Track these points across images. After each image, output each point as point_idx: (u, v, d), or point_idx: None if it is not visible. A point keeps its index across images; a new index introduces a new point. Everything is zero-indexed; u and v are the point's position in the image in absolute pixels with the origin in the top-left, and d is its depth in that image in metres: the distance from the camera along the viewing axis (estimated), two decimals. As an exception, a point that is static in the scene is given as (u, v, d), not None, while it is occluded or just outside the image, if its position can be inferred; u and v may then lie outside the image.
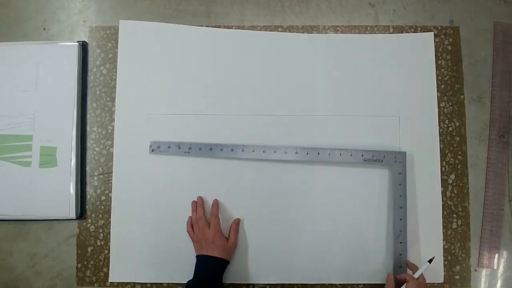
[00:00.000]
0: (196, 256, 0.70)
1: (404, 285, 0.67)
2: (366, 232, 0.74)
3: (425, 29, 0.78)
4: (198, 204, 0.73)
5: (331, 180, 0.75)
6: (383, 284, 0.73)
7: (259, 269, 0.74)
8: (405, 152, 0.73)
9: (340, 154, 0.73)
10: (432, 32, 0.78)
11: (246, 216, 0.74)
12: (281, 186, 0.75)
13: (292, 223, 0.74)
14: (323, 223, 0.74)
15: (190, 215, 0.74)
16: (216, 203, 0.73)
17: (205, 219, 0.72)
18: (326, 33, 0.79)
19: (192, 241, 0.72)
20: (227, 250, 0.70)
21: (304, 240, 0.74)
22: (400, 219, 0.72)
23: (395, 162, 0.73)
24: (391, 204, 0.74)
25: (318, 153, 0.74)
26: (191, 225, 0.73)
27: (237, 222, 0.73)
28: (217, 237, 0.69)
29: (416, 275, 0.68)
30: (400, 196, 0.72)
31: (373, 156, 0.73)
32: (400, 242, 0.71)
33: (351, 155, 0.73)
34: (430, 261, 0.70)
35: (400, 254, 0.72)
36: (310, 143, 0.75)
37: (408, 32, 0.78)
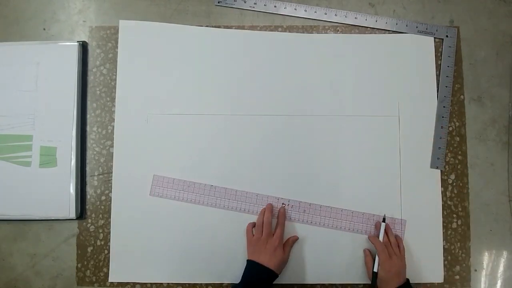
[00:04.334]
0: (248, 261, 0.68)
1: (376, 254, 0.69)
2: (366, 232, 0.74)
3: (425, 29, 0.78)
4: (267, 209, 0.72)
5: (331, 184, 0.75)
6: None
7: (259, 269, 0.74)
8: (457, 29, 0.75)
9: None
10: (432, 37, 0.78)
11: (246, 217, 0.74)
12: (282, 189, 0.75)
13: (292, 222, 0.75)
14: (323, 223, 0.74)
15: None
16: (283, 212, 0.73)
17: (271, 226, 0.71)
18: (326, 33, 0.79)
19: (248, 243, 0.71)
20: (282, 263, 0.69)
21: (304, 240, 0.74)
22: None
23: (446, 36, 0.76)
24: (394, 206, 0.74)
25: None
26: (252, 227, 0.72)
27: (295, 240, 0.73)
28: (279, 249, 0.68)
29: (380, 238, 0.70)
30: (447, 77, 0.74)
31: (426, 29, 0.74)
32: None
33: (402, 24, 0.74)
34: (384, 220, 0.72)
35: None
36: (310, 143, 0.76)
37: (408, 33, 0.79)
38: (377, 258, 0.68)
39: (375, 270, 0.68)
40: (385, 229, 0.71)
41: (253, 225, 0.72)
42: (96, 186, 0.76)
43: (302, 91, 0.77)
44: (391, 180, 0.75)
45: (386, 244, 0.69)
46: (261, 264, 0.66)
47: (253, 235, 0.70)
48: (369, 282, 0.73)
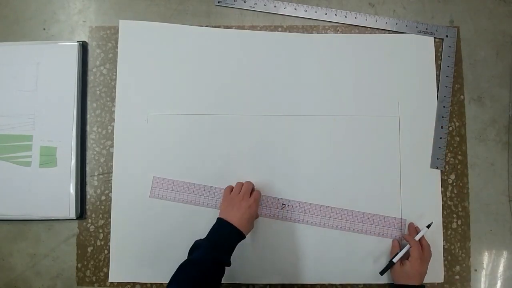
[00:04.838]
0: (218, 219, 0.67)
1: (406, 247, 0.70)
2: (366, 231, 0.74)
3: (424, 30, 0.78)
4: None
5: (331, 184, 0.75)
6: (383, 284, 0.74)
7: (259, 269, 0.74)
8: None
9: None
10: (432, 37, 0.78)
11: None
12: (282, 190, 0.75)
13: (292, 223, 0.75)
14: (324, 224, 0.74)
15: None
16: (259, 194, 0.72)
17: (250, 189, 0.71)
18: (326, 33, 0.79)
19: (223, 199, 0.70)
20: (250, 225, 0.68)
21: (304, 240, 0.74)
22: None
23: (446, 36, 0.76)
24: (393, 207, 0.75)
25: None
26: (231, 189, 0.71)
27: (259, 195, 0.71)
28: (253, 207, 0.68)
29: (417, 238, 0.69)
30: (447, 76, 0.75)
31: (426, 29, 0.74)
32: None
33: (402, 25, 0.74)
34: (428, 226, 0.71)
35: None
36: (310, 143, 0.76)
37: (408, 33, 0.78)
38: (402, 252, 0.70)
39: (394, 261, 0.69)
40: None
41: (232, 188, 0.72)
42: (96, 186, 0.76)
43: (302, 91, 0.77)
44: (391, 180, 0.75)
45: (422, 246, 0.69)
46: (230, 223, 0.65)
47: (230, 194, 0.70)
48: (368, 282, 0.73)
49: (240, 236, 0.65)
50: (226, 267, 0.64)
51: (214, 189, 0.75)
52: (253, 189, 0.73)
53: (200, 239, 0.65)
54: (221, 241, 0.64)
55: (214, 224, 0.67)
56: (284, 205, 0.75)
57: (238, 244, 0.66)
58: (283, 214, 0.74)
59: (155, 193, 0.75)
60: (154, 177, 0.75)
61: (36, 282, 0.75)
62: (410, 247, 0.69)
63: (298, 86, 0.77)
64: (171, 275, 0.75)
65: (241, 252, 0.73)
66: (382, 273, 0.70)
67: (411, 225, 0.73)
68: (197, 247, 0.64)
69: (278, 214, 0.74)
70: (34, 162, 0.75)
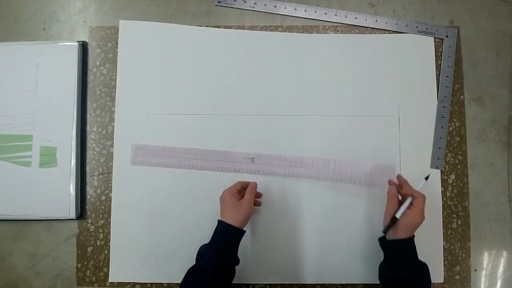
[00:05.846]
0: (218, 221, 0.67)
1: (408, 200, 0.65)
2: (366, 231, 0.74)
3: (425, 30, 0.78)
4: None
5: (331, 185, 0.75)
6: (383, 284, 0.74)
7: (259, 269, 0.74)
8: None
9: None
10: (432, 37, 0.78)
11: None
12: (282, 189, 0.75)
13: (292, 223, 0.75)
14: (324, 224, 0.74)
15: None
16: (254, 185, 0.71)
17: (240, 187, 0.70)
18: (326, 33, 0.79)
19: (220, 202, 0.69)
20: (248, 219, 0.67)
21: (304, 240, 0.74)
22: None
23: (446, 36, 0.76)
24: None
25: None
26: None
27: (254, 186, 0.71)
28: (246, 205, 0.67)
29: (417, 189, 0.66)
30: (447, 77, 0.74)
31: (426, 29, 0.74)
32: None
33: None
34: (427, 178, 0.68)
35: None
36: (310, 143, 0.76)
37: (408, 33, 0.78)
38: (404, 206, 0.64)
39: (397, 216, 0.63)
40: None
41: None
42: (96, 186, 0.76)
43: (302, 91, 0.77)
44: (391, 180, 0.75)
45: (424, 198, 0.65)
46: (229, 223, 0.65)
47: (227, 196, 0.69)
48: (368, 282, 0.73)
49: (240, 232, 0.66)
50: (236, 266, 0.65)
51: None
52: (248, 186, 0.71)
53: (204, 244, 0.66)
54: (223, 244, 0.65)
55: (216, 227, 0.67)
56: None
57: (239, 246, 0.67)
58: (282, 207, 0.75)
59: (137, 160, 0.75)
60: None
61: (36, 282, 0.75)
62: (413, 198, 0.64)
63: (298, 86, 0.77)
64: (171, 274, 0.75)
65: (241, 252, 0.73)
66: (385, 231, 0.65)
67: (399, 177, 0.70)
68: (201, 254, 0.65)
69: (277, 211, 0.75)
70: (34, 162, 0.75)
